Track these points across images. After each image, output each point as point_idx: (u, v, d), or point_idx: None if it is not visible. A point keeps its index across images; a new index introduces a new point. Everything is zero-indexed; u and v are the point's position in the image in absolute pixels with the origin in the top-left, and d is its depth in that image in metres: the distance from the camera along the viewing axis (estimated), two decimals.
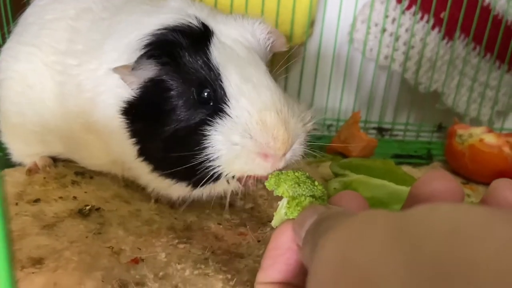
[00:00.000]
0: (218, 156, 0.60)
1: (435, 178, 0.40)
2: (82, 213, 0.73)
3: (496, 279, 0.22)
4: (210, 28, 0.66)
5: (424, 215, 0.28)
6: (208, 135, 0.60)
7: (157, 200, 0.79)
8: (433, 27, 1.26)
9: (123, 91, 0.66)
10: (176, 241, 0.69)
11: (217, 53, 0.63)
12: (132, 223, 0.73)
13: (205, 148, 0.60)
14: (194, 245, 0.69)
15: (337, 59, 1.31)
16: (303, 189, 0.47)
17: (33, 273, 0.58)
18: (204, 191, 0.70)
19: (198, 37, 0.64)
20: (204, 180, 0.62)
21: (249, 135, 0.59)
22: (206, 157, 0.60)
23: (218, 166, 0.61)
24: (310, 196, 0.45)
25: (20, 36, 0.84)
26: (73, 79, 0.74)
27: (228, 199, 0.76)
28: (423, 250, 0.25)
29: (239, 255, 0.67)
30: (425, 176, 0.41)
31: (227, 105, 0.60)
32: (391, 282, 0.24)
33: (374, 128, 1.38)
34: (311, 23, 1.29)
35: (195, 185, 0.65)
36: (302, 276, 0.40)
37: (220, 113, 0.61)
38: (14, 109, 0.83)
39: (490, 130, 1.07)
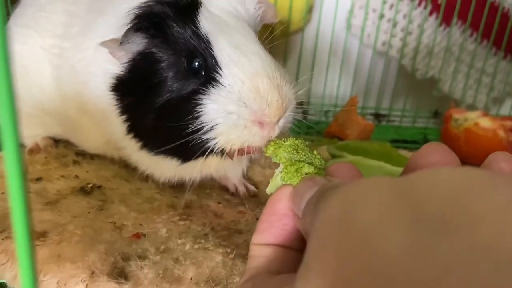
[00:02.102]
0: (213, 126, 0.59)
1: (434, 151, 0.40)
2: (84, 191, 0.75)
3: (500, 230, 0.22)
4: None
5: (426, 177, 0.28)
6: (202, 104, 0.60)
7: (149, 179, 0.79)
8: (430, 13, 1.28)
9: (112, 66, 0.66)
10: (177, 217, 0.71)
11: (206, 23, 0.62)
12: (133, 200, 0.75)
13: (198, 117, 0.59)
14: (194, 221, 0.71)
15: (334, 46, 1.32)
16: (302, 156, 0.46)
17: (37, 245, 0.59)
18: (195, 172, 0.69)
19: (186, 7, 0.63)
20: (197, 153, 0.61)
21: (244, 103, 0.58)
22: (200, 126, 0.59)
23: (213, 138, 0.60)
24: (309, 164, 0.45)
25: (17, 17, 0.84)
26: (68, 61, 0.74)
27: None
28: (427, 209, 0.25)
29: (238, 231, 0.69)
30: (423, 148, 0.41)
31: (219, 73, 0.60)
32: (394, 240, 0.25)
33: (371, 114, 1.40)
34: (309, 9, 1.30)
35: (187, 159, 0.65)
36: (297, 241, 0.42)
37: (212, 82, 0.60)
38: None
39: (486, 114, 1.09)
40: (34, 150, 0.86)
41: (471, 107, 1.38)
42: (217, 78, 0.60)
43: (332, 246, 0.29)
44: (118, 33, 0.62)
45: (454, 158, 0.39)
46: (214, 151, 0.61)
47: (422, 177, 0.28)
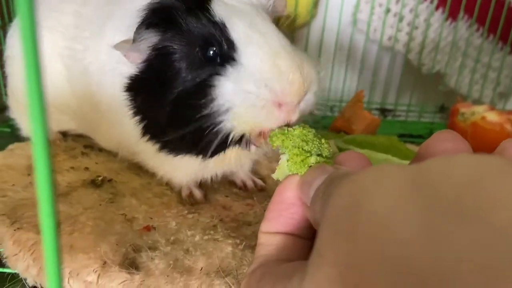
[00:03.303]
0: (229, 107, 0.57)
1: (446, 138, 0.39)
2: (95, 183, 0.76)
3: None
4: None
5: (440, 165, 0.28)
6: (217, 85, 0.57)
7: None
8: (437, 8, 1.28)
9: (126, 67, 0.65)
10: (186, 211, 0.72)
11: (219, 9, 0.60)
12: (144, 194, 0.76)
13: (213, 100, 0.57)
14: (202, 214, 0.72)
15: (340, 40, 1.32)
16: (310, 146, 0.46)
17: None
18: (216, 168, 0.69)
19: None
20: (215, 143, 0.59)
21: (264, 84, 0.55)
22: (216, 108, 0.57)
23: (229, 121, 0.57)
24: (317, 155, 0.45)
25: None
26: (80, 62, 0.75)
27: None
28: (442, 195, 0.25)
29: (246, 223, 0.70)
30: (434, 136, 0.40)
31: (236, 53, 0.57)
32: (409, 225, 0.24)
33: (377, 109, 1.40)
34: (315, 4, 1.30)
35: (207, 153, 0.61)
36: (306, 230, 0.42)
37: (229, 63, 0.58)
38: (22, 87, 0.84)
39: (492, 108, 1.10)
40: None
41: (477, 102, 1.38)
42: (235, 58, 0.57)
43: (344, 233, 0.28)
44: (129, 33, 0.62)
45: (466, 146, 0.39)
46: (232, 139, 0.59)
47: (435, 164, 0.28)
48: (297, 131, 0.49)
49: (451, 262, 0.22)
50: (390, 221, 0.25)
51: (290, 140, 0.48)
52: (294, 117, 0.57)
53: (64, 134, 0.92)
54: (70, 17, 0.78)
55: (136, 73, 0.64)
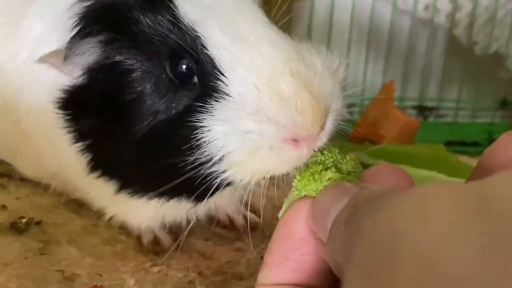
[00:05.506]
0: (224, 155, 0.57)
1: None
2: (17, 228, 0.76)
3: None
4: None
5: (508, 185, 0.27)
6: (203, 126, 0.58)
7: None
8: None
9: (58, 76, 0.65)
10: (149, 263, 0.72)
11: (189, 7, 0.61)
12: (88, 241, 0.75)
13: (201, 146, 0.58)
14: (173, 267, 0.72)
15: (357, 14, 1.33)
16: (326, 157, 0.47)
17: None
18: (193, 210, 0.70)
19: None
20: (209, 192, 0.60)
21: (265, 117, 0.55)
22: (206, 157, 0.58)
23: (225, 170, 0.58)
24: (334, 166, 0.45)
25: None
26: None
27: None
28: (509, 229, 0.25)
29: (237, 276, 0.70)
30: (499, 141, 0.40)
31: (220, 80, 0.58)
32: (467, 263, 0.25)
33: (413, 107, 1.40)
34: None
35: (192, 198, 0.63)
36: (323, 277, 0.42)
37: (213, 93, 0.58)
38: None
39: None
40: None
41: None
42: (219, 87, 0.58)
43: (384, 283, 0.28)
44: (60, 39, 0.62)
45: None
46: (228, 185, 0.60)
47: (505, 182, 0.28)
48: None
49: None
50: (444, 259, 0.26)
51: None
52: (321, 143, 0.56)
53: None
54: None
55: (76, 85, 0.64)
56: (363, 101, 1.33)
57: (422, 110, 1.41)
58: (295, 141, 0.55)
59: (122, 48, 0.61)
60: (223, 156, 0.57)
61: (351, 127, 1.13)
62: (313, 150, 0.54)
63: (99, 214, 0.78)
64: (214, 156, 0.57)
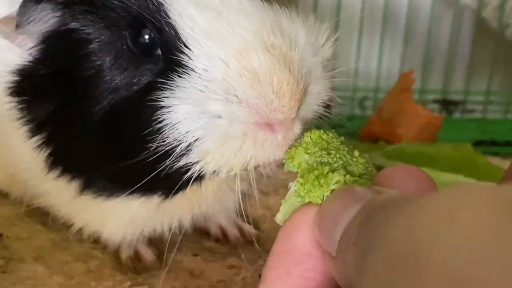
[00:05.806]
0: (191, 143, 0.57)
1: None
2: None
3: None
4: None
5: None
6: (166, 107, 0.57)
7: None
8: None
9: (9, 53, 0.64)
10: (128, 283, 0.71)
11: None
12: (57, 258, 0.74)
13: (162, 131, 0.57)
14: (156, 286, 0.70)
15: None
16: (333, 157, 0.46)
17: None
18: (180, 214, 0.69)
19: None
20: (178, 184, 0.59)
21: (235, 97, 0.55)
22: (172, 143, 0.57)
23: (196, 162, 0.58)
24: (345, 170, 0.44)
25: None
26: None
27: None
28: None
29: None
30: None
31: (185, 53, 0.57)
32: (502, 283, 0.24)
33: (435, 101, 1.40)
34: None
35: (161, 192, 0.63)
36: None
37: (177, 68, 0.57)
38: None
39: None
40: None
41: None
42: (184, 61, 0.57)
43: None
44: (13, 4, 0.61)
45: None
46: (205, 177, 0.59)
47: None
48: (314, 134, 0.49)
49: None
50: (473, 278, 0.25)
51: (304, 150, 0.48)
52: (295, 131, 0.56)
53: None
54: None
55: (29, 64, 0.63)
56: (377, 94, 1.34)
57: (446, 104, 1.41)
58: (270, 125, 0.55)
59: (80, 14, 0.60)
60: (190, 144, 0.56)
61: (364, 124, 1.13)
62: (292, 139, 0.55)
63: (69, 226, 0.75)
64: (180, 144, 0.57)
